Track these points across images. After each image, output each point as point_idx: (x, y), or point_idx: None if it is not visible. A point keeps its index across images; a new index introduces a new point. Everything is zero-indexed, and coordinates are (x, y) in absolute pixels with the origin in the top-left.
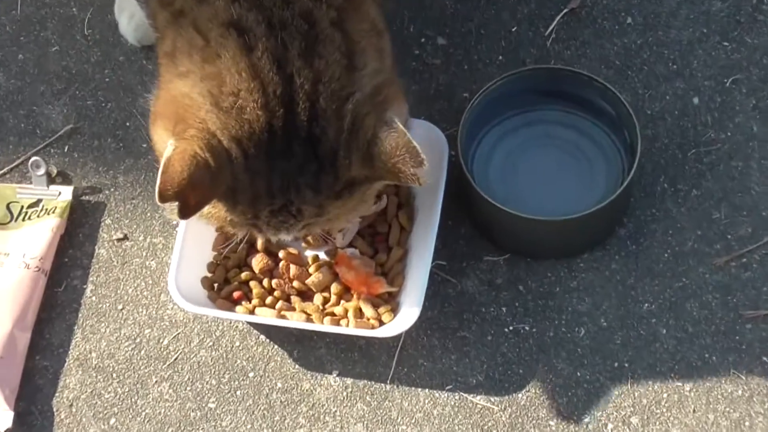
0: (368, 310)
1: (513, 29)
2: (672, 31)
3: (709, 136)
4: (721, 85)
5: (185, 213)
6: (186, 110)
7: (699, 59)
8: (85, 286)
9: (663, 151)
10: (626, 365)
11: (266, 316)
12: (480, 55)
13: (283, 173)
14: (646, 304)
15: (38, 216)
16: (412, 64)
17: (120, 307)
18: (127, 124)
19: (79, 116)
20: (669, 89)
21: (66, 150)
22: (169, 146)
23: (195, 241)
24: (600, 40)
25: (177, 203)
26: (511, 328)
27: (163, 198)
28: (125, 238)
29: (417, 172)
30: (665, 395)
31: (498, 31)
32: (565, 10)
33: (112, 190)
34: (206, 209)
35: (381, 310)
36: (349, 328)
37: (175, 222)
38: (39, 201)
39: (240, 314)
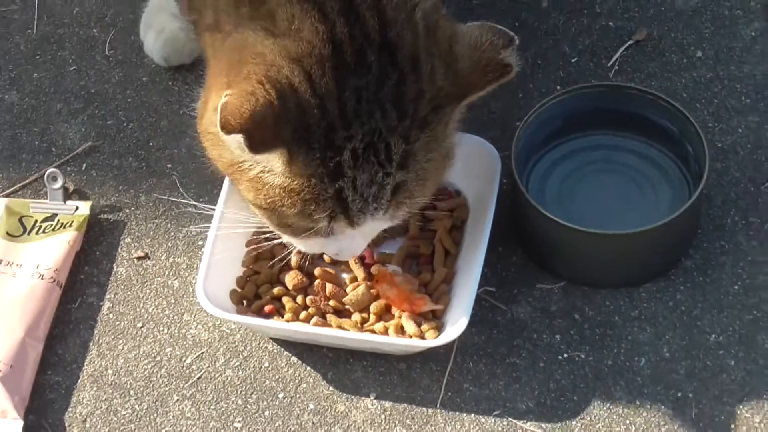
0: (410, 327)
1: (573, 60)
2: (746, 66)
3: None
4: None
5: (254, 147)
6: (241, 55)
7: None
8: (101, 303)
9: (734, 185)
10: (690, 395)
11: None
12: (536, 83)
13: (357, 89)
14: (714, 335)
15: (53, 230)
16: None
17: (139, 324)
18: (151, 143)
19: (98, 135)
20: (742, 122)
21: (84, 168)
22: (223, 97)
23: (223, 253)
24: (667, 73)
25: (242, 137)
26: (565, 355)
27: (226, 128)
28: (146, 257)
29: (505, 56)
30: (732, 427)
31: (556, 61)
32: (629, 42)
33: (132, 209)
34: (268, 194)
35: (424, 327)
36: (390, 337)
37: (201, 242)
38: (54, 215)
39: (272, 321)
